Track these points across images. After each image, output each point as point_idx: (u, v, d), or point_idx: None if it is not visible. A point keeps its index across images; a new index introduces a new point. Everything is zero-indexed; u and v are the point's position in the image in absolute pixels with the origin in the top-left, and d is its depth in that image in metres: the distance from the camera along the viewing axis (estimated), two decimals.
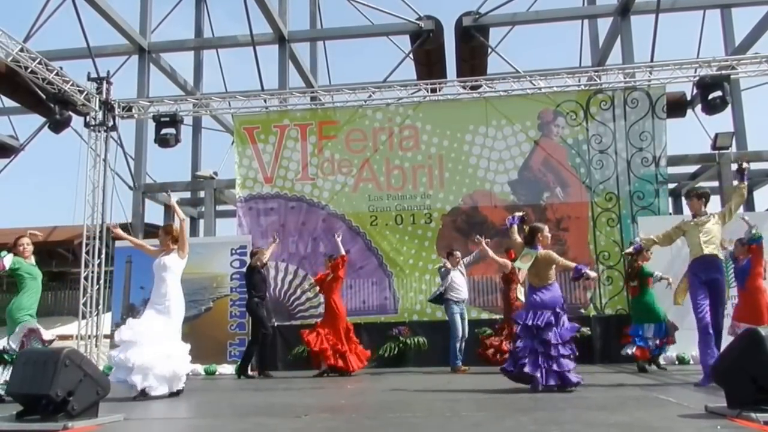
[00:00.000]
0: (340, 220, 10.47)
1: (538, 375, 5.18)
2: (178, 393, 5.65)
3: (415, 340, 9.61)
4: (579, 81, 10.58)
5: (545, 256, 5.52)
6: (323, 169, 10.75)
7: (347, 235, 10.25)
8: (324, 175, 10.73)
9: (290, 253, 10.36)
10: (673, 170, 11.88)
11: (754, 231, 6.59)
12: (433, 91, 10.95)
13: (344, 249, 8.54)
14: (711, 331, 5.45)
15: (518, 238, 5.84)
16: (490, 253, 7.95)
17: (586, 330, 9.05)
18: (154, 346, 5.45)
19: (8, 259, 5.92)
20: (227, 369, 9.11)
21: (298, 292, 10.26)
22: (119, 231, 6.37)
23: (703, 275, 5.57)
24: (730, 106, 10.38)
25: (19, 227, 6.20)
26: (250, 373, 8.39)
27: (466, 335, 8.27)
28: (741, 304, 6.75)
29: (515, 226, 5.89)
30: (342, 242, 8.55)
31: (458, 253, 8.48)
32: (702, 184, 13.23)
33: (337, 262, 8.26)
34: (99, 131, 10.70)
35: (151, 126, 11.06)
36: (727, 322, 5.79)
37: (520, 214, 6.12)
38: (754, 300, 6.52)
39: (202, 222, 15.03)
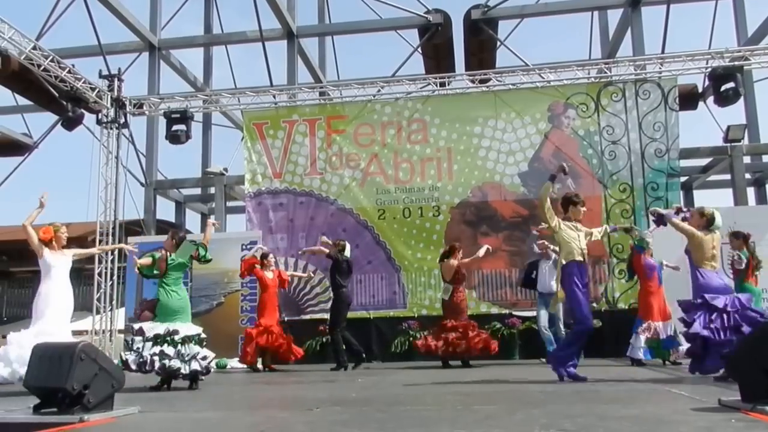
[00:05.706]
0: (349, 215, 10.48)
1: None
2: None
3: (425, 334, 9.60)
4: (589, 73, 10.50)
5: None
6: (331, 164, 10.76)
7: (355, 230, 10.29)
8: (332, 169, 10.73)
9: (299, 248, 10.38)
10: (684, 163, 11.75)
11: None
12: (442, 85, 10.91)
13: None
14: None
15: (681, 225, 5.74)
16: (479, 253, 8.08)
17: (596, 323, 8.99)
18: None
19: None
20: (238, 363, 9.15)
21: (308, 287, 10.29)
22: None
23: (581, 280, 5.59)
24: (742, 97, 10.26)
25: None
26: (258, 366, 8.37)
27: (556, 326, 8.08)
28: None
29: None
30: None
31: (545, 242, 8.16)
32: (714, 177, 13.12)
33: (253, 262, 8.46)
34: (111, 128, 10.80)
35: (162, 123, 11.15)
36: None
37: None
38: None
39: (213, 218, 15.07)
